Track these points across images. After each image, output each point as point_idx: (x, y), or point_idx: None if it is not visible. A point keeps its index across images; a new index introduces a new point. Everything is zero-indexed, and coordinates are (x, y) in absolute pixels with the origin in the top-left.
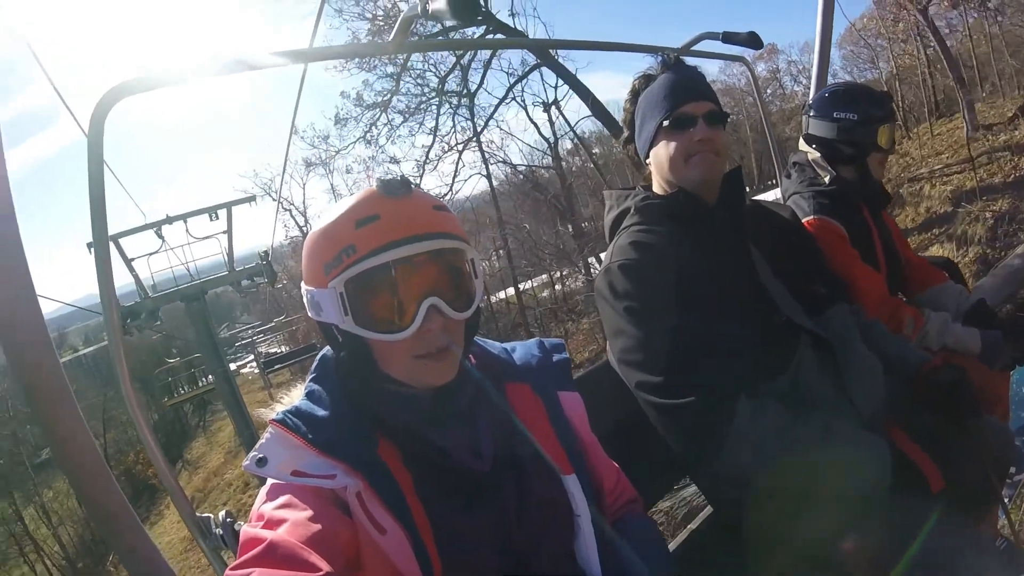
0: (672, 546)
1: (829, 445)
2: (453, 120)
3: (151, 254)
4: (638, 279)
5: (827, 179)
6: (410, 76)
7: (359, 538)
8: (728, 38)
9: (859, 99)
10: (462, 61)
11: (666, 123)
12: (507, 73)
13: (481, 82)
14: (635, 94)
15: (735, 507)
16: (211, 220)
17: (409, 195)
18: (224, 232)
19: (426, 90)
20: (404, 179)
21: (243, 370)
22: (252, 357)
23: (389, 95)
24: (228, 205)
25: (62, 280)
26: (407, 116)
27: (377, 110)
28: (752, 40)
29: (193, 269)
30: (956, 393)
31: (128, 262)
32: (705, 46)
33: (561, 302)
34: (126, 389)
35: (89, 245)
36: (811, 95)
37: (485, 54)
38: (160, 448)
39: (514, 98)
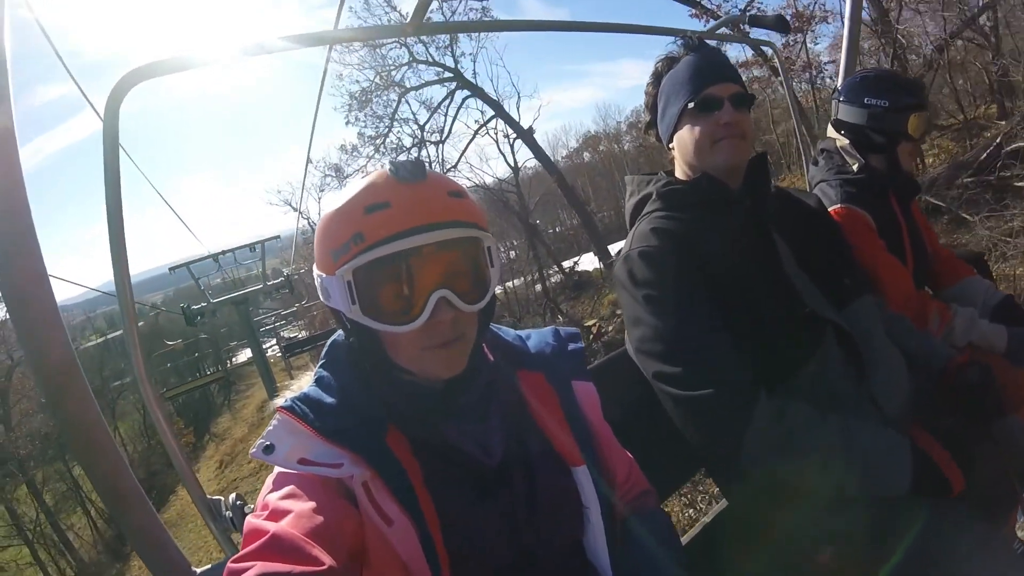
0: (685, 540)
1: (849, 444)
2: (438, 150)
3: (211, 275)
4: (658, 267)
5: (855, 167)
6: (397, 124)
7: (365, 529)
8: (755, 21)
9: (891, 86)
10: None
11: (691, 105)
12: (480, 112)
13: (450, 130)
14: (658, 76)
15: (750, 502)
16: (251, 252)
17: (423, 180)
18: (259, 260)
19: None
20: (418, 162)
21: (267, 353)
22: (275, 341)
23: (382, 137)
24: (262, 242)
25: (87, 264)
26: (397, 154)
27: (371, 149)
28: (779, 23)
29: (230, 260)
30: (982, 392)
31: (196, 280)
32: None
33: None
34: (140, 374)
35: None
36: (840, 80)
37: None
38: (173, 431)
39: (488, 132)
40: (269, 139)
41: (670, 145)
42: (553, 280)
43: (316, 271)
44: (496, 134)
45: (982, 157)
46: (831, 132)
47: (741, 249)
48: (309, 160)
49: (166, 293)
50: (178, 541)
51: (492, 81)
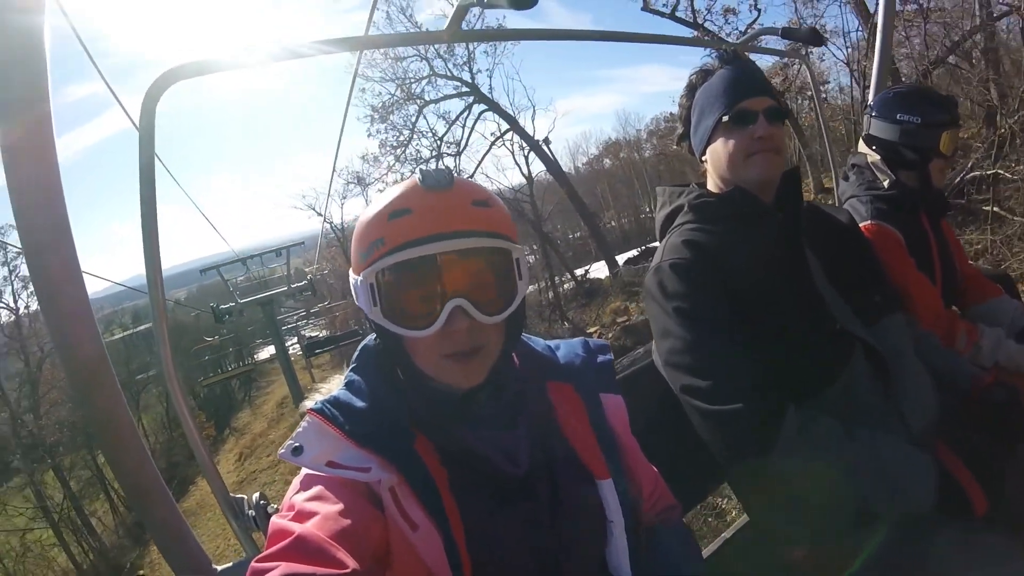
0: (705, 553)
1: (873, 457)
2: (455, 161)
3: (240, 276)
4: (689, 279)
5: (887, 183)
6: (416, 136)
7: (389, 534)
8: (787, 34)
9: (923, 102)
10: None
11: (725, 119)
12: (496, 124)
13: (466, 142)
14: (692, 89)
15: (773, 518)
16: (276, 256)
17: (449, 188)
18: (284, 263)
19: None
20: (447, 171)
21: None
22: (296, 340)
23: (402, 147)
24: (287, 248)
25: (114, 260)
26: (416, 164)
27: (392, 159)
28: (813, 36)
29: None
30: (1008, 412)
31: (225, 282)
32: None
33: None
34: (168, 371)
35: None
36: (871, 95)
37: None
38: (198, 426)
39: (504, 143)
40: (286, 142)
41: (703, 158)
42: (566, 287)
43: (350, 273)
44: (512, 145)
45: (956, 180)
46: (862, 147)
47: (772, 263)
48: (335, 170)
49: (189, 289)
50: (197, 530)
51: (508, 95)
